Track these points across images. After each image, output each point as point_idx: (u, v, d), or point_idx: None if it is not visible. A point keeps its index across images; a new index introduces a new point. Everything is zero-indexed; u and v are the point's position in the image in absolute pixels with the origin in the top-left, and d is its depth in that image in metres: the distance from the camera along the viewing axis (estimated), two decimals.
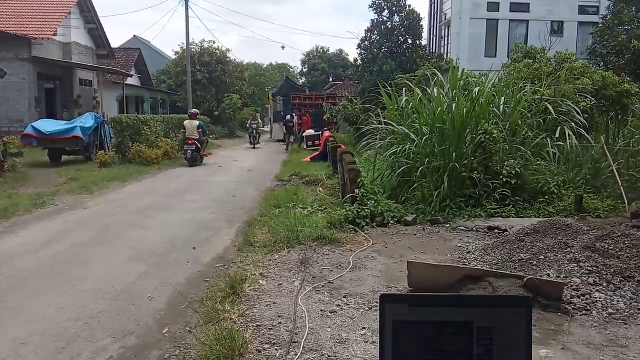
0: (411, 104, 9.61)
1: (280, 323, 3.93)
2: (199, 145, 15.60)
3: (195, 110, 18.18)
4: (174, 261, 5.80)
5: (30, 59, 19.85)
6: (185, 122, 16.14)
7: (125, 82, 25.86)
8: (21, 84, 19.76)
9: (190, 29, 31.68)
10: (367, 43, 24.52)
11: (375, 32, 24.39)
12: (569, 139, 8.53)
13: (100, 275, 5.25)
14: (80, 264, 5.62)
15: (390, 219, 7.32)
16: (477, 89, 8.87)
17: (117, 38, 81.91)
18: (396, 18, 24.25)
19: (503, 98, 9.14)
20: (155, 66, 38.17)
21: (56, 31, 21.76)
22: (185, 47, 31.14)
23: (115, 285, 4.90)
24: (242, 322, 3.94)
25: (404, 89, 10.61)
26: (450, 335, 1.06)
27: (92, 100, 24.39)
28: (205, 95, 33.88)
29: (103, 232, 7.09)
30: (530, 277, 4.29)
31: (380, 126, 9.79)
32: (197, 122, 16.02)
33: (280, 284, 4.82)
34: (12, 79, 19.67)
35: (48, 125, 14.66)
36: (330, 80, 56.09)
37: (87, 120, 15.31)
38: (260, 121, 24.81)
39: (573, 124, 8.91)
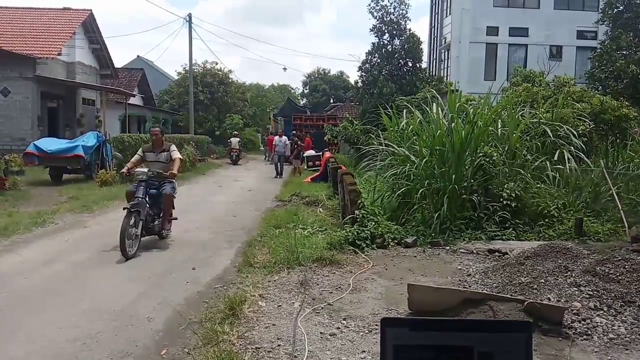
0: (411, 126, 9.68)
1: (279, 345, 3.91)
2: (238, 153, 25.43)
3: (236, 132, 28.03)
4: (173, 281, 5.78)
5: (34, 78, 20.02)
6: (231, 139, 25.84)
7: (128, 102, 26.16)
8: (24, 103, 19.89)
9: (193, 50, 32.03)
10: (367, 65, 24.82)
11: (376, 54, 24.71)
12: (568, 162, 8.56)
13: (99, 295, 5.23)
14: (80, 284, 5.61)
15: (390, 240, 7.30)
16: (471, 110, 8.94)
17: (120, 58, 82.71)
18: (396, 41, 24.61)
19: (500, 121, 9.20)
20: (158, 86, 38.54)
21: (60, 51, 22.01)
22: (187, 68, 31.52)
23: (114, 305, 4.87)
24: (240, 344, 3.92)
25: (404, 111, 10.69)
26: None
27: (95, 119, 24.60)
28: (206, 115, 34.15)
29: (102, 252, 7.07)
30: (531, 301, 4.28)
31: (381, 147, 9.84)
32: (237, 139, 25.53)
33: (280, 306, 4.79)
34: (15, 98, 19.80)
35: (50, 144, 14.70)
36: (331, 101, 56.53)
37: (88, 139, 15.35)
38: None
39: (572, 147, 8.95)
